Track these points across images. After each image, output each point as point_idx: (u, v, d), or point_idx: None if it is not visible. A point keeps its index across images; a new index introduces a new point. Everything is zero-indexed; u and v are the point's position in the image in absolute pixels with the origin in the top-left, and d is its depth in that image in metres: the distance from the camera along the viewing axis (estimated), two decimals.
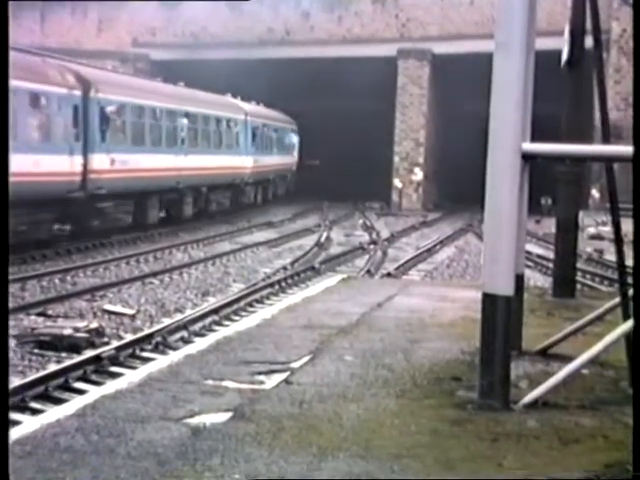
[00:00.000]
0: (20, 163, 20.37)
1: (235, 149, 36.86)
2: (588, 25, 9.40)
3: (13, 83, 20.12)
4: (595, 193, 36.94)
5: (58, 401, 9.12)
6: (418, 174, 44.78)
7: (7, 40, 4.89)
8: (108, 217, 25.91)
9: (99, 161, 24.81)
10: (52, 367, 10.97)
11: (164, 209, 30.12)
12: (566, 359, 7.35)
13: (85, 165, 24.23)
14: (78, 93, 24.13)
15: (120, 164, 25.89)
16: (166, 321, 13.98)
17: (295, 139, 48.70)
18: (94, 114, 24.68)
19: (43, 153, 22.46)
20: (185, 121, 31.15)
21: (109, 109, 25.29)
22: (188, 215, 31.81)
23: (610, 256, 21.51)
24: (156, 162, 28.52)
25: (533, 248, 25.21)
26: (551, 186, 13.97)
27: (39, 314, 14.68)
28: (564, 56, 11.89)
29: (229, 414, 6.19)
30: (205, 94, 34.31)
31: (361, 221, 36.53)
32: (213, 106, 34.73)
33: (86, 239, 24.47)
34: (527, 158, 6.44)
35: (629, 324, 6.73)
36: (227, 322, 13.96)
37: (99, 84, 25.29)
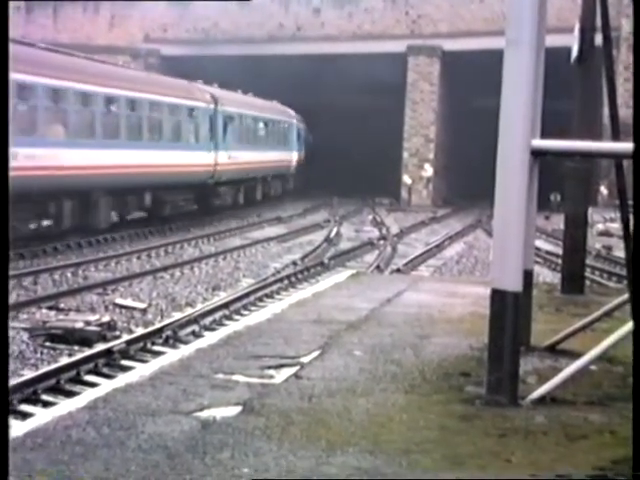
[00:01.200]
0: (183, 158, 29.72)
1: (287, 146, 44.96)
2: (598, 22, 9.40)
3: (179, 101, 30.19)
4: (603, 190, 36.86)
5: (70, 394, 9.18)
6: (428, 170, 44.74)
7: (7, 40, 4.96)
8: (222, 198, 34.64)
9: (222, 157, 33.21)
10: (64, 360, 11.03)
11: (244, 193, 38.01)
12: (574, 355, 7.37)
13: (215, 159, 32.51)
14: (212, 107, 32.73)
15: (232, 159, 34.09)
16: (177, 315, 14.04)
17: (310, 136, 49.76)
18: (220, 122, 33.37)
19: (196, 150, 31.38)
20: (263, 125, 40.65)
21: (228, 118, 34.20)
22: (259, 199, 39.67)
23: (619, 252, 21.50)
24: (250, 157, 36.84)
25: (542, 244, 25.20)
26: (560, 182, 13.97)
27: (51, 307, 14.75)
28: (574, 53, 11.88)
29: (239, 408, 6.22)
30: (270, 103, 42.27)
31: (370, 217, 36.54)
32: (276, 112, 43.28)
33: (210, 214, 32.60)
34: (536, 154, 6.46)
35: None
36: (237, 316, 14.02)
37: (222, 99, 33.86)
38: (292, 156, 46.01)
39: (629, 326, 6.78)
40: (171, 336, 12.57)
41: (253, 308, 14.92)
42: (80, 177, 22.88)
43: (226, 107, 34.00)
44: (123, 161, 25.28)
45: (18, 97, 20.25)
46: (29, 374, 10.22)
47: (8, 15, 5.02)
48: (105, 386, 7.10)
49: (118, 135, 25.67)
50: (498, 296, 6.44)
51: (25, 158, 19.66)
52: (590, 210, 16.96)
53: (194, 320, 13.47)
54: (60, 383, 10.04)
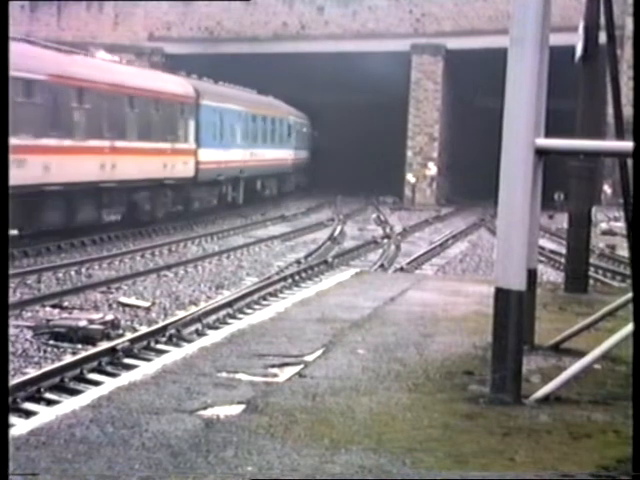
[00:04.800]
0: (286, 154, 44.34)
1: (302, 145, 49.18)
2: (602, 21, 9.38)
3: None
4: (607, 188, 36.81)
5: (73, 392, 9.19)
6: (432, 169, 44.73)
7: (7, 39, 4.96)
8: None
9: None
10: (67, 358, 11.05)
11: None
12: (578, 354, 7.36)
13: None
14: (307, 122, 49.05)
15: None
16: (180, 314, 14.05)
17: (310, 132, 50.43)
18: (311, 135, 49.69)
19: (299, 150, 46.32)
20: (309, 130, 50.25)
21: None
22: (292, 189, 46.69)
23: (622, 252, 21.48)
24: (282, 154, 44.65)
25: (546, 243, 25.20)
26: (564, 181, 13.95)
27: (54, 306, 14.77)
28: (578, 52, 11.86)
29: (242, 406, 6.22)
30: (297, 111, 47.47)
31: (374, 215, 36.52)
32: (302, 117, 48.83)
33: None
34: (540, 154, 6.45)
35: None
36: (241, 315, 14.01)
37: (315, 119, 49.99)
38: (305, 154, 48.31)
39: (633, 325, 6.77)
40: (175, 335, 12.58)
41: (257, 307, 14.91)
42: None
43: (292, 117, 44.18)
44: None
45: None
46: (33, 372, 10.24)
47: (8, 15, 5.03)
48: (109, 384, 7.10)
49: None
50: (502, 295, 6.44)
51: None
52: (594, 209, 16.95)
53: (198, 319, 13.48)
54: (64, 381, 10.06)
